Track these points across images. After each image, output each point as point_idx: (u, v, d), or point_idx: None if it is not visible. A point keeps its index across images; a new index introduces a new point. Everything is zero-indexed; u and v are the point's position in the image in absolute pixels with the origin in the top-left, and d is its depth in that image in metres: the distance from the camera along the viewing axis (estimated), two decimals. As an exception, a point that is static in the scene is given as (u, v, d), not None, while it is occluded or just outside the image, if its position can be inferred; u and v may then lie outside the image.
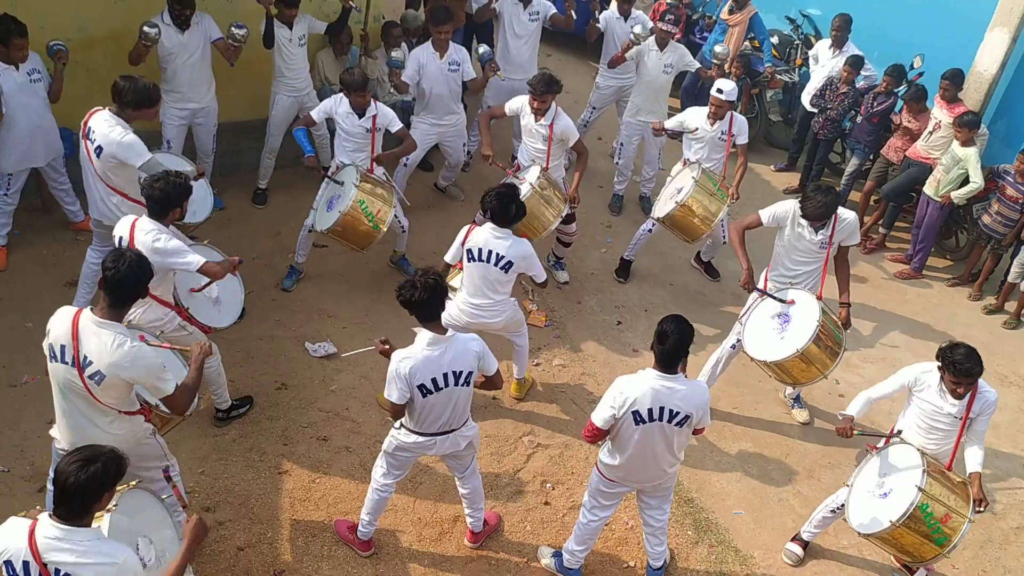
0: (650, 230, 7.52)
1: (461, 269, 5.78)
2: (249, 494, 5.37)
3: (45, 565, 3.27)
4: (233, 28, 6.94)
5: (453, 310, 5.75)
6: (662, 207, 7.17)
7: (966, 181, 7.84)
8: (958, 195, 7.88)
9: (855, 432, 5.02)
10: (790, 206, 5.95)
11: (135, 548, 3.54)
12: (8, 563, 3.33)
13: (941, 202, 8.03)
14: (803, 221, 5.86)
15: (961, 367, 4.70)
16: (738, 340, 6.03)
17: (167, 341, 4.61)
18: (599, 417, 4.49)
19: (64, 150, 6.76)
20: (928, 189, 8.14)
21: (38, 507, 3.53)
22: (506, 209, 5.60)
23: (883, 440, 5.03)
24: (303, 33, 7.43)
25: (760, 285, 6.11)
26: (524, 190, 6.47)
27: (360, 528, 5.05)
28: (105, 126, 5.41)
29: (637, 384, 4.43)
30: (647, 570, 5.19)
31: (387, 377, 4.44)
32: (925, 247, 8.42)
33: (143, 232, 4.77)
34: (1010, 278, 7.95)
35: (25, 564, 3.30)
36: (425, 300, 4.38)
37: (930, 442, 4.95)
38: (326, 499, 5.42)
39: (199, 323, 5.20)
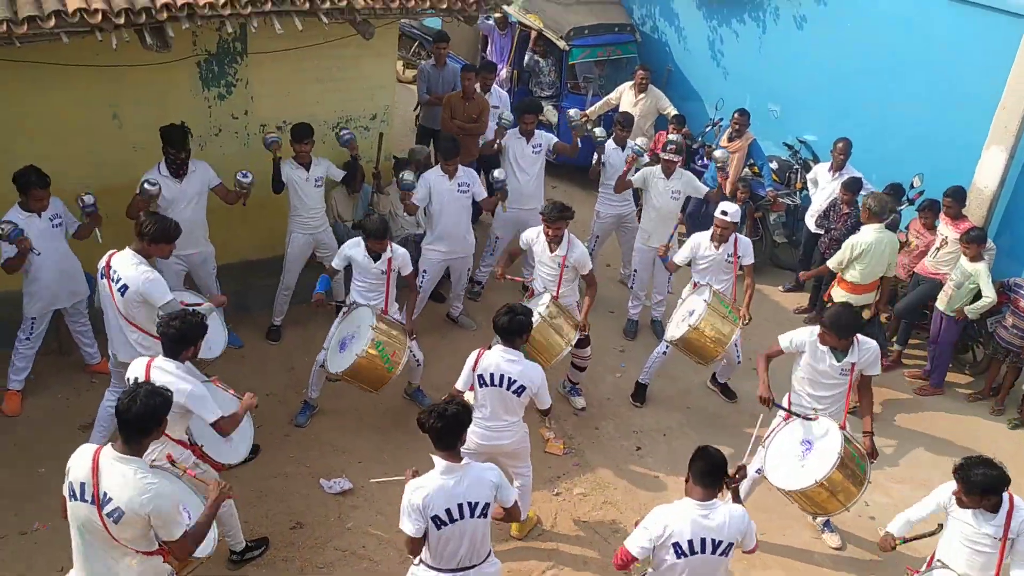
0: (664, 352, 7.50)
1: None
2: (264, 642, 5.16)
3: None
4: (239, 176, 7.01)
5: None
6: (675, 329, 7.18)
7: (978, 295, 7.86)
8: (972, 309, 7.85)
9: (896, 544, 4.95)
10: (808, 332, 5.97)
11: None
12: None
13: (956, 316, 8.02)
14: (823, 347, 5.84)
15: (979, 486, 4.61)
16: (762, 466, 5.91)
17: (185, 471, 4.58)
18: (635, 545, 4.34)
19: (88, 291, 6.76)
20: (940, 304, 8.13)
21: None
22: (519, 325, 5.53)
23: (924, 565, 4.84)
24: (320, 175, 7.54)
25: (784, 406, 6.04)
26: (534, 319, 6.49)
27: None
28: (130, 266, 5.53)
29: (676, 514, 4.31)
30: None
31: (401, 508, 4.34)
32: (943, 362, 8.34)
33: (163, 373, 4.74)
34: (1032, 391, 7.85)
35: None
36: (444, 427, 4.33)
37: (973, 568, 4.75)
38: (344, 645, 5.20)
39: (212, 460, 5.11)
